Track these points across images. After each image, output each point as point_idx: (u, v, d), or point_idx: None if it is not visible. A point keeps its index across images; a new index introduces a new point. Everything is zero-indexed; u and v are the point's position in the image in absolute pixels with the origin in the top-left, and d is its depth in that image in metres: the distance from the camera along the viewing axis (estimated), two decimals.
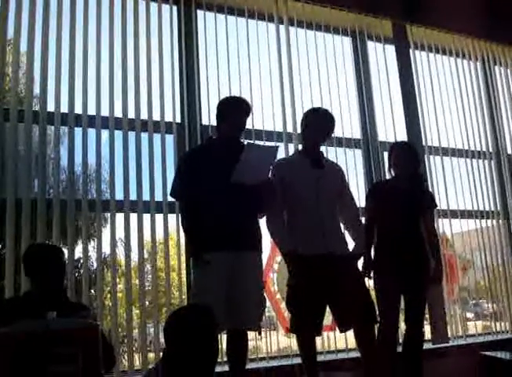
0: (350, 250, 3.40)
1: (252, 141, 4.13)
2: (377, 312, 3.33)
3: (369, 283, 3.64)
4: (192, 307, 2.49)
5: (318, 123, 3.45)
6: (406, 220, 3.69)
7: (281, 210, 3.39)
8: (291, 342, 4.03)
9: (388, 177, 4.00)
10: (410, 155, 3.79)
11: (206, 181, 3.12)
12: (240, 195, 3.07)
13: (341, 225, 3.49)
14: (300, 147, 3.60)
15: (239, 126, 3.30)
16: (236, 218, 3.09)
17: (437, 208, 4.90)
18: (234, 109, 3.29)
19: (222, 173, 3.04)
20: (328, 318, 3.41)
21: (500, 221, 5.40)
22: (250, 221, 3.24)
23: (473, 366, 4.23)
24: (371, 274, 3.66)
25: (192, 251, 3.20)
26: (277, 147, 3.24)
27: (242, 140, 3.42)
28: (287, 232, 3.32)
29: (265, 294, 3.26)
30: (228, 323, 3.03)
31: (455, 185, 5.21)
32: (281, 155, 3.68)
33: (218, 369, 3.13)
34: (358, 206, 3.72)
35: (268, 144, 4.31)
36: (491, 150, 5.58)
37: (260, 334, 3.29)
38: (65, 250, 3.62)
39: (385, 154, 4.84)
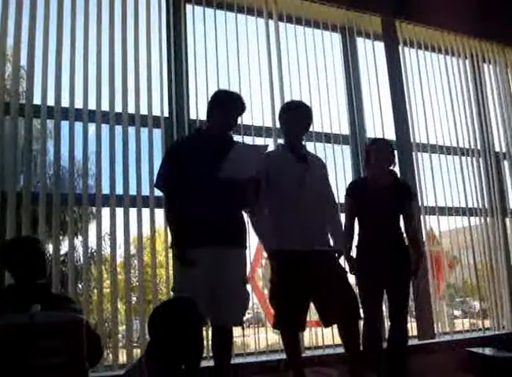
0: (332, 246, 3.38)
1: (241, 139, 4.10)
2: (360, 309, 3.32)
3: (353, 280, 3.64)
4: (176, 300, 2.48)
5: (297, 117, 3.42)
6: (386, 216, 3.68)
7: (265, 206, 3.36)
8: (279, 338, 4.02)
9: (365, 174, 4.00)
10: (387, 151, 3.80)
11: (192, 174, 3.07)
12: (226, 190, 3.02)
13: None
14: (281, 141, 3.55)
15: (229, 123, 3.23)
16: (221, 214, 3.04)
17: (425, 205, 4.95)
18: (227, 106, 3.20)
19: (209, 168, 2.99)
20: (316, 313, 3.41)
21: (488, 218, 5.41)
22: (235, 217, 3.20)
23: (458, 362, 4.25)
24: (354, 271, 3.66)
25: (176, 252, 3.08)
26: (267, 145, 3.22)
27: (232, 137, 3.36)
28: (271, 227, 3.29)
29: (248, 291, 3.19)
30: (211, 319, 3.02)
31: (442, 182, 5.20)
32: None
33: (204, 364, 3.12)
34: None
35: (257, 140, 4.35)
36: (479, 147, 5.58)
37: (243, 328, 3.25)
38: (50, 245, 3.63)
39: None
